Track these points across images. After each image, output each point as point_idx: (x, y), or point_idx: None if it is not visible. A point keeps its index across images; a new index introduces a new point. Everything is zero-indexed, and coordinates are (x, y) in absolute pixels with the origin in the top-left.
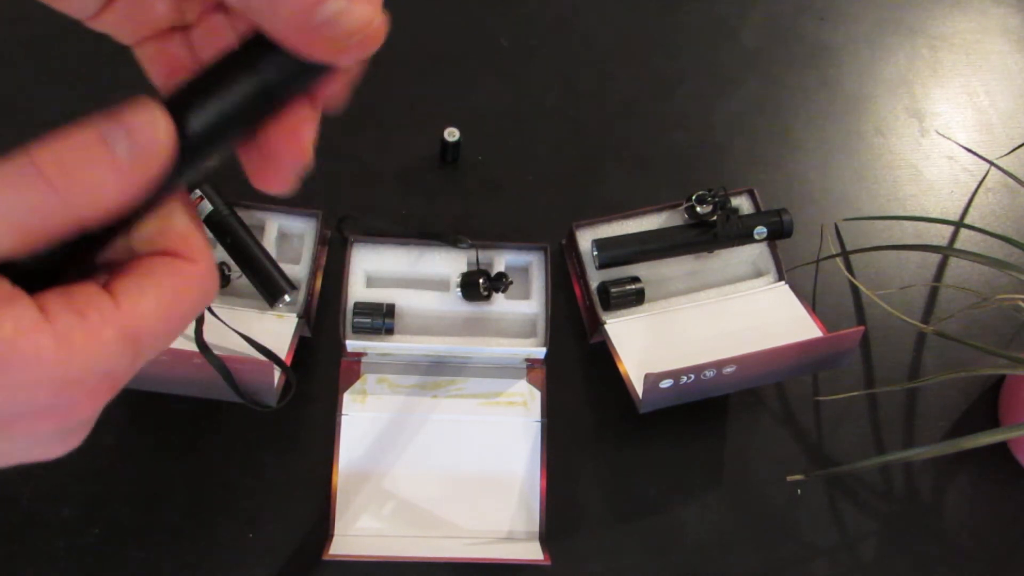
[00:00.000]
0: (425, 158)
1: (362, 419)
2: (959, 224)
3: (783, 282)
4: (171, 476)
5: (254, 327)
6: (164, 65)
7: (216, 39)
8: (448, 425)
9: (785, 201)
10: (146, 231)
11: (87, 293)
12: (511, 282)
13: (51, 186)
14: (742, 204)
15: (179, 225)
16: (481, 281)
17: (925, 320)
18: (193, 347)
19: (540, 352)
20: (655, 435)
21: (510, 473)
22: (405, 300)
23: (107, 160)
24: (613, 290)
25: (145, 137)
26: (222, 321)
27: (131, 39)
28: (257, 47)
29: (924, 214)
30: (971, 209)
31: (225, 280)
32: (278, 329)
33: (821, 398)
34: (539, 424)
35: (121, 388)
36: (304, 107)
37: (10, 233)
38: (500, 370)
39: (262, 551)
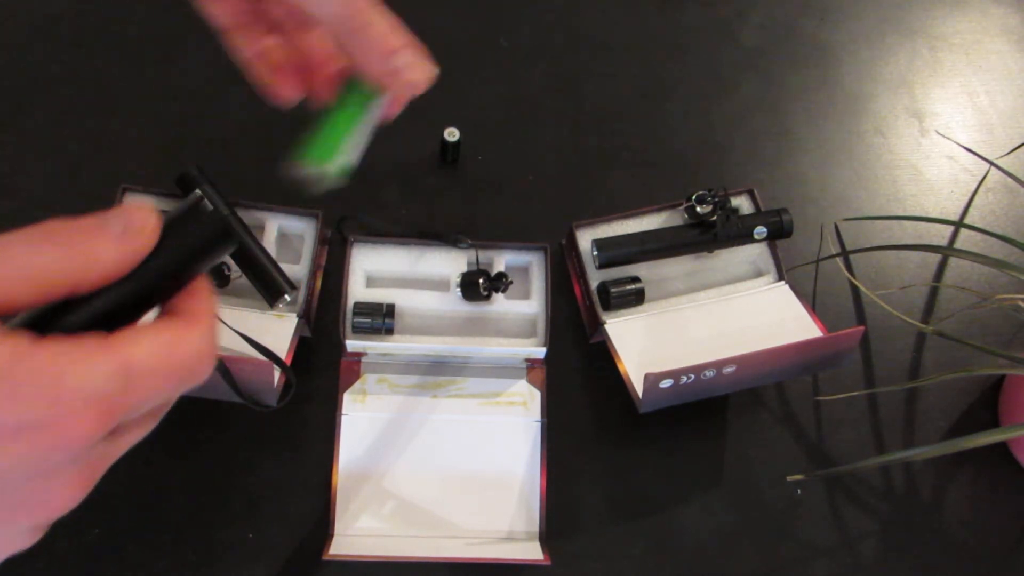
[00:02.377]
0: (425, 158)
1: (362, 419)
2: (959, 224)
3: (783, 282)
4: (171, 476)
5: (254, 327)
6: (226, 8)
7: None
8: (448, 425)
9: (785, 201)
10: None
11: (84, 335)
12: (511, 282)
13: (58, 249)
14: (742, 204)
15: (188, 290)
16: (481, 281)
17: (925, 320)
18: None
19: (540, 352)
20: (655, 435)
21: (510, 473)
22: (405, 300)
23: (105, 234)
24: (613, 290)
25: (137, 221)
26: (222, 321)
27: None
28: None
29: (924, 214)
30: (971, 209)
31: (225, 280)
32: (278, 329)
33: (821, 398)
34: (539, 424)
35: (113, 424)
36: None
37: (24, 286)
38: (500, 370)
39: (262, 551)
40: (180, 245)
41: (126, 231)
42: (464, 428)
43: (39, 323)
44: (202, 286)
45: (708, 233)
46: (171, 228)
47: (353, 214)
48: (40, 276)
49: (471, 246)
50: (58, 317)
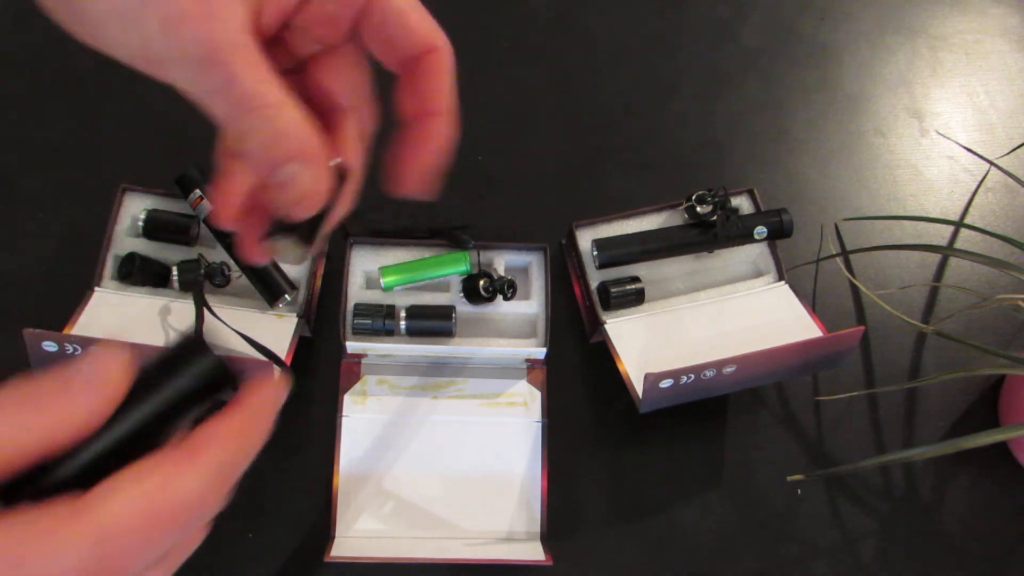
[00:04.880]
0: None
1: (362, 420)
2: (959, 224)
3: (783, 282)
4: None
5: (254, 327)
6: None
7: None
8: (449, 426)
9: (785, 201)
10: None
11: (57, 499)
12: (515, 289)
13: (22, 414)
14: (742, 204)
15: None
16: (482, 283)
17: (925, 320)
18: None
19: (540, 352)
20: (655, 435)
21: (511, 474)
22: (405, 301)
23: (70, 390)
24: (613, 290)
25: (102, 371)
26: (222, 321)
27: None
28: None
29: (924, 214)
30: (971, 209)
31: (225, 280)
32: (278, 329)
33: (821, 398)
34: (539, 424)
35: None
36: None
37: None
38: (500, 371)
39: (262, 551)
40: (164, 390)
41: (92, 383)
42: (465, 429)
43: (10, 489)
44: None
45: (708, 233)
46: (157, 370)
47: (358, 212)
48: (6, 446)
49: (475, 247)
50: (31, 479)
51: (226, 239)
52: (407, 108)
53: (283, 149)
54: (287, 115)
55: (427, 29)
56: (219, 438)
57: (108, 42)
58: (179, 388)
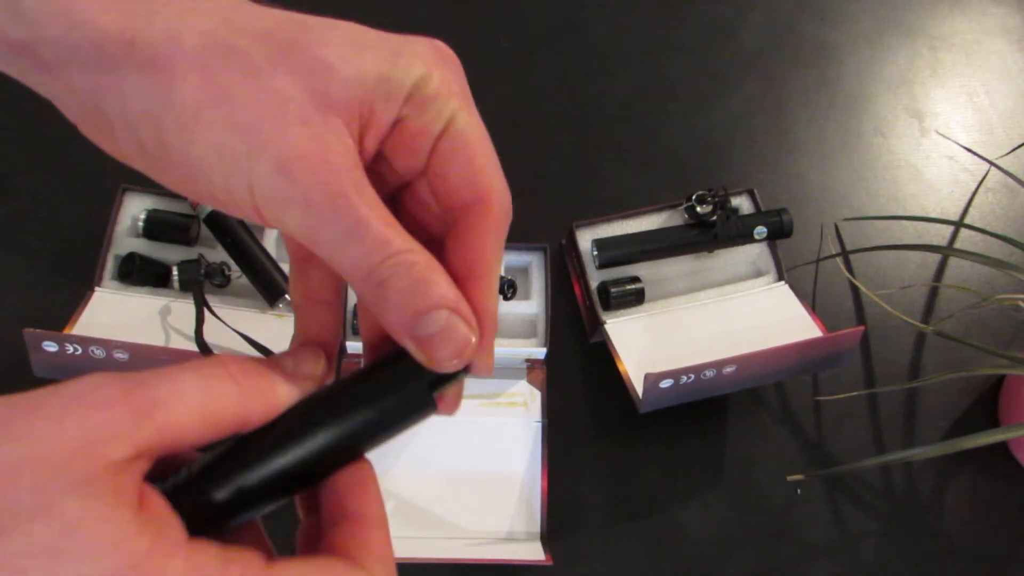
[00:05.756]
0: None
1: None
2: (959, 224)
3: (783, 282)
4: None
5: (254, 327)
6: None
7: None
8: (449, 426)
9: (785, 201)
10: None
11: (244, 551)
12: (515, 289)
13: (233, 380)
14: (742, 204)
15: (362, 533)
16: None
17: (925, 320)
18: (193, 347)
19: (540, 352)
20: (655, 435)
21: (511, 473)
22: None
23: (276, 369)
24: (613, 290)
25: (307, 362)
26: (222, 321)
27: None
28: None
29: (924, 214)
30: (971, 209)
31: (225, 280)
32: (278, 329)
33: (821, 398)
34: (539, 424)
35: None
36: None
37: (194, 420)
38: (500, 370)
39: None
40: (363, 400)
41: (290, 372)
42: (465, 429)
43: (192, 487)
44: (369, 516)
45: (708, 233)
46: (362, 380)
47: None
48: (211, 411)
49: None
50: (209, 486)
51: (226, 239)
52: (451, 269)
53: (431, 298)
54: (424, 259)
55: (488, 176)
56: (385, 555)
57: (207, 190)
58: (375, 410)
